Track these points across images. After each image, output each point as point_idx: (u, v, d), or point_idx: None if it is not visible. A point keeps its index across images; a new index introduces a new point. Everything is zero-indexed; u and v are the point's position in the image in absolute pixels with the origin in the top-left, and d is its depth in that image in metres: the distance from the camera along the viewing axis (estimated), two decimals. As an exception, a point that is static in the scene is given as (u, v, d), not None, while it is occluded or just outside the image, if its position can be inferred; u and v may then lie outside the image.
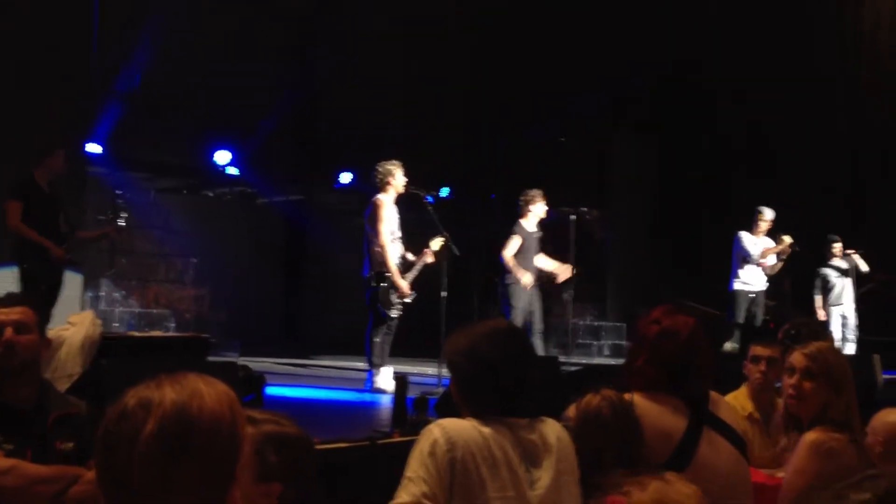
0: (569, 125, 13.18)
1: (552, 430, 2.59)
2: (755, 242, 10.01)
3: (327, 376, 8.98)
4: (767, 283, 10.14)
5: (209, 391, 1.48)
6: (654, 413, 2.97)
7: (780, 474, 3.48)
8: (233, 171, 10.80)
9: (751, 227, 10.07)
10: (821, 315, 10.95)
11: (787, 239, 9.96)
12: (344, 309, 11.63)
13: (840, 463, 3.10)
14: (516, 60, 12.67)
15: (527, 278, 8.71)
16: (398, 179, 7.74)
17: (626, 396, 3.00)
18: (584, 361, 10.74)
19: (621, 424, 2.74)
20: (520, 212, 9.06)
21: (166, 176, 11.24)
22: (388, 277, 7.56)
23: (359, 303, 9.32)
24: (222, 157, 10.60)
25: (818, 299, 11.20)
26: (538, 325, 8.86)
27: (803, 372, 3.30)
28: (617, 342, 13.12)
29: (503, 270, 8.84)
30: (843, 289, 10.93)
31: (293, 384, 7.77)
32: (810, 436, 3.21)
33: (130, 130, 9.82)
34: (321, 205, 12.40)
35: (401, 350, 8.94)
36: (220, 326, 10.70)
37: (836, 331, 10.73)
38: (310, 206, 12.40)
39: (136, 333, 7.31)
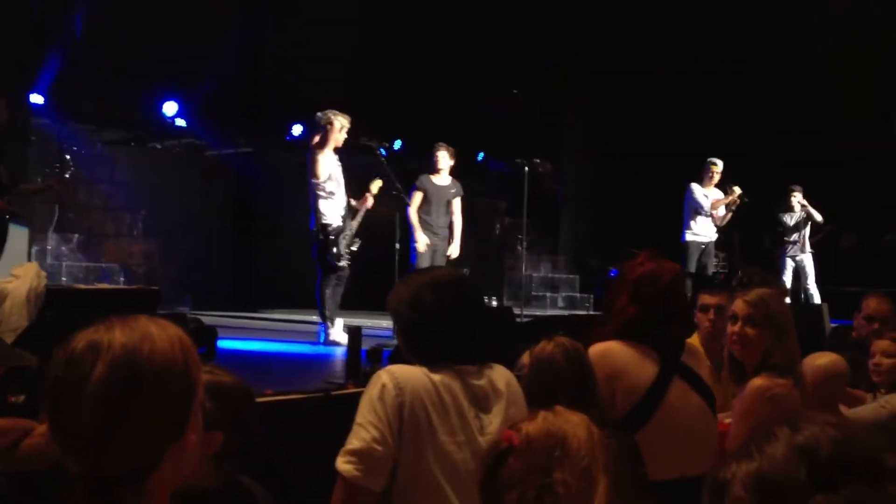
0: (522, 77, 13.16)
1: (501, 375, 2.60)
2: (706, 194, 10.11)
3: (279, 329, 8.96)
4: (717, 234, 10.27)
5: (160, 334, 1.44)
6: (626, 360, 3.01)
7: (728, 420, 3.55)
8: (181, 122, 10.61)
9: (701, 179, 10.17)
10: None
11: (737, 190, 10.08)
12: (295, 262, 11.58)
13: (785, 408, 3.15)
14: (470, 12, 12.58)
15: (421, 242, 8.32)
16: (338, 128, 7.49)
17: (602, 344, 3.03)
18: (538, 313, 10.83)
19: (574, 370, 2.76)
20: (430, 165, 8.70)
21: (112, 128, 11.01)
22: (334, 228, 7.44)
23: (309, 256, 9.30)
24: (170, 108, 10.40)
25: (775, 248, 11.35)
26: None
27: (745, 319, 3.35)
28: (571, 294, 13.25)
29: (410, 227, 8.45)
30: (800, 239, 11.06)
31: (245, 337, 7.75)
32: (755, 382, 3.26)
33: (75, 82, 9.59)
34: (272, 157, 12.27)
35: (355, 302, 8.94)
36: (169, 280, 10.59)
37: (791, 280, 10.90)
38: (260, 158, 12.26)
39: (83, 286, 7.20)
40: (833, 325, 8.08)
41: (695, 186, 10.12)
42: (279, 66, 12.07)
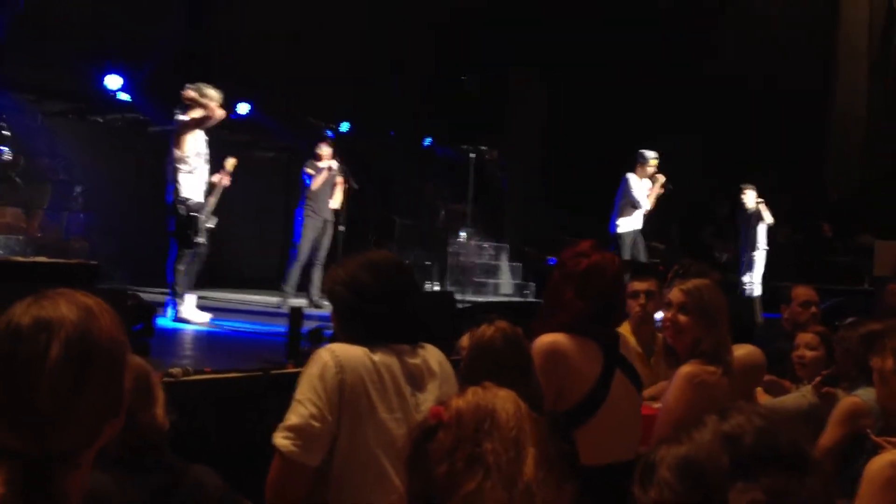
0: (469, 64, 13.21)
1: (433, 355, 2.67)
2: (642, 187, 10.22)
3: (219, 308, 8.90)
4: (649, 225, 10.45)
5: (102, 312, 1.46)
6: (575, 353, 3.07)
7: (657, 405, 3.66)
8: (124, 97, 10.42)
9: (634, 169, 10.28)
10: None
11: (661, 178, 10.24)
12: (238, 241, 11.50)
13: (711, 394, 3.26)
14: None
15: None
16: (214, 103, 7.39)
17: (550, 336, 3.08)
18: (479, 300, 10.90)
19: (513, 354, 2.81)
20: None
21: (54, 99, 10.78)
22: (194, 203, 7.28)
23: (253, 235, 9.27)
24: (113, 81, 10.22)
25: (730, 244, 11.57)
26: (320, 258, 9.01)
27: (679, 307, 3.45)
28: (513, 281, 13.36)
29: (300, 204, 9.12)
30: (754, 236, 11.25)
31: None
32: (684, 369, 3.37)
33: (16, 51, 9.36)
34: (215, 135, 12.12)
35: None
36: (108, 255, 10.43)
37: (748, 275, 11.11)
38: (206, 136, 12.10)
39: (21, 258, 7.08)
40: (767, 317, 8.29)
41: (632, 178, 10.17)
42: (225, 43, 11.93)
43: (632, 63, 13.33)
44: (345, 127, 11.82)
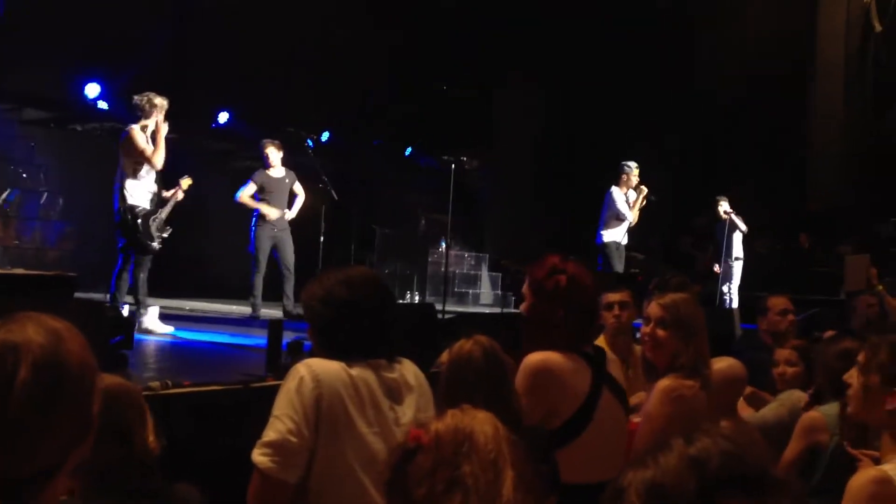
0: (453, 73, 13.23)
1: (410, 369, 2.68)
2: (625, 199, 10.30)
3: (199, 318, 8.87)
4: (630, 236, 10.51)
5: (70, 336, 1.45)
6: (566, 371, 3.06)
7: (637, 418, 3.67)
8: (103, 105, 10.39)
9: (618, 182, 10.36)
10: (717, 269, 11.40)
11: (644, 189, 10.33)
12: (218, 251, 11.46)
13: (690, 408, 3.27)
14: (403, 6, 12.61)
15: (270, 211, 8.77)
16: (160, 111, 7.41)
17: (541, 354, 3.08)
18: (460, 310, 10.91)
19: (491, 369, 2.81)
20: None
21: (32, 107, 10.73)
22: (141, 210, 7.25)
23: (233, 246, 9.23)
24: (92, 90, 10.18)
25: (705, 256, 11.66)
26: (285, 266, 8.85)
27: (657, 321, 3.46)
28: (494, 291, 13.38)
29: (254, 213, 8.93)
30: (730, 246, 11.35)
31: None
32: (662, 383, 3.37)
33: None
34: (196, 144, 12.09)
35: (276, 294, 8.92)
36: (87, 265, 10.37)
37: (726, 285, 11.20)
38: (185, 144, 12.06)
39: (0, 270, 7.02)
40: (745, 328, 8.32)
41: (615, 191, 10.26)
42: (205, 51, 11.90)
43: (613, 77, 13.42)
44: (325, 136, 11.82)
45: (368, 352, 2.58)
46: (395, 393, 2.58)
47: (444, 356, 3.00)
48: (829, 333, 5.59)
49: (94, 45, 10.10)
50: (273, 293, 8.95)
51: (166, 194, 7.54)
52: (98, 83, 10.18)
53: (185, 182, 7.66)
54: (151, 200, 7.36)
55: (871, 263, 7.18)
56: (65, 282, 4.96)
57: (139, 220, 7.20)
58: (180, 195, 7.60)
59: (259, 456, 2.38)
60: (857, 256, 9.62)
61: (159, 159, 7.30)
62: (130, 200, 7.23)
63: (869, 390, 2.95)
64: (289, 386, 2.45)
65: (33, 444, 1.37)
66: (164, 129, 7.35)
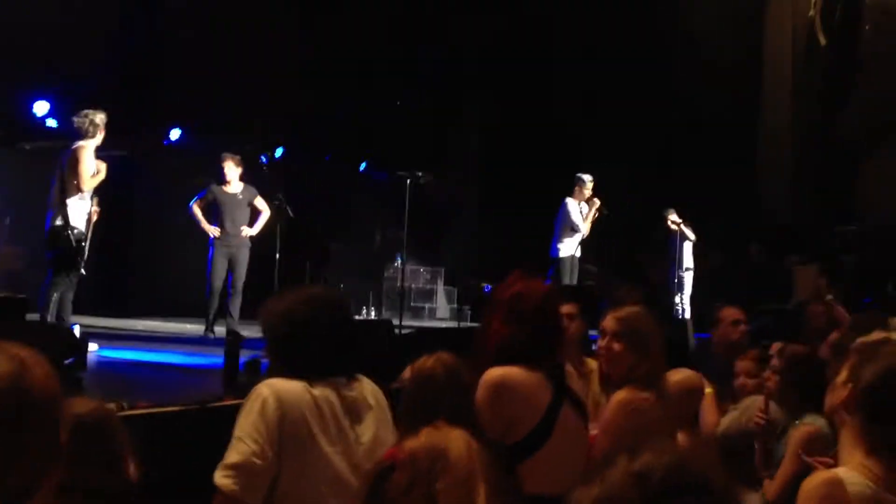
0: (407, 87, 13.28)
1: (368, 387, 2.70)
2: (581, 211, 10.42)
3: (153, 338, 8.78)
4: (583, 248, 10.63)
5: (33, 361, 1.44)
6: (524, 385, 3.08)
7: (593, 431, 3.71)
8: (52, 123, 10.24)
9: (573, 193, 10.47)
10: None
11: (597, 202, 10.46)
12: (171, 269, 11.34)
13: (645, 420, 3.32)
14: (354, 20, 12.63)
15: (212, 229, 8.76)
16: (100, 131, 7.42)
17: (499, 370, 3.09)
18: (416, 324, 10.92)
19: (453, 385, 2.83)
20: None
21: (-20, 126, 10.55)
22: (80, 230, 7.21)
23: (188, 263, 9.15)
24: (41, 107, 10.04)
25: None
26: (236, 285, 8.80)
27: (613, 334, 3.52)
28: (450, 305, 13.41)
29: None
30: (681, 257, 11.51)
31: (116, 346, 7.53)
32: (619, 395, 3.42)
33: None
34: (149, 161, 11.97)
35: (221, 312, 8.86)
36: (37, 286, 10.22)
37: (678, 296, 11.36)
38: (137, 162, 11.94)
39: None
40: (697, 337, 8.45)
41: (570, 203, 10.38)
42: (157, 68, 11.81)
43: (567, 88, 13.56)
44: (278, 152, 11.77)
45: (328, 370, 2.59)
46: (355, 412, 2.59)
47: (407, 373, 3.02)
48: (777, 345, 5.70)
49: (43, 63, 9.97)
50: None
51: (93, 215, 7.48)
52: (47, 100, 10.05)
53: (95, 202, 7.55)
54: (86, 221, 7.32)
55: (820, 274, 7.34)
56: (15, 304, 4.89)
57: (76, 240, 7.14)
58: (95, 216, 7.51)
59: (222, 478, 2.37)
60: (806, 267, 9.84)
61: (92, 183, 7.29)
62: (72, 220, 7.17)
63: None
64: (251, 407, 2.44)
65: (2, 472, 1.35)
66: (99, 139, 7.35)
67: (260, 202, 8.99)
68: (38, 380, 1.42)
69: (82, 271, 7.24)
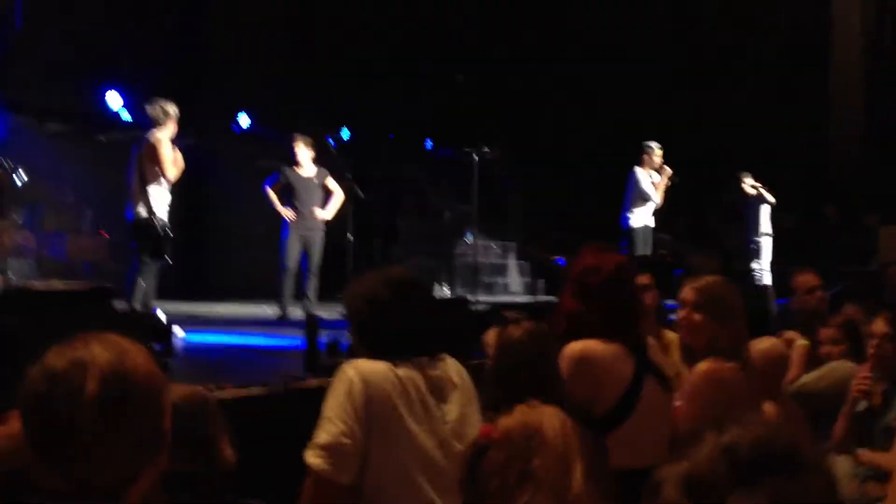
0: (466, 63, 13.24)
1: (452, 366, 2.72)
2: (650, 180, 10.26)
3: (233, 321, 8.94)
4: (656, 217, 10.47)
5: (134, 350, 1.49)
6: (605, 358, 3.09)
7: (678, 403, 3.68)
8: (126, 115, 10.47)
9: (641, 163, 10.31)
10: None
11: (668, 170, 10.28)
12: (246, 253, 11.53)
13: (729, 391, 3.28)
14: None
15: (287, 212, 8.79)
16: (174, 120, 7.52)
17: (580, 343, 3.09)
18: (490, 300, 10.92)
19: (539, 354, 2.86)
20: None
21: (56, 120, 10.84)
22: (161, 219, 7.34)
23: (261, 248, 9.30)
24: (114, 100, 10.27)
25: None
26: (311, 266, 8.82)
27: (692, 305, 3.47)
28: (523, 279, 13.38)
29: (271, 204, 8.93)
30: (757, 222, 11.29)
31: (198, 330, 7.67)
32: (702, 366, 3.37)
33: (16, 73, 9.41)
34: (220, 148, 12.17)
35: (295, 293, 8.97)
36: (120, 275, 10.49)
37: (756, 262, 11.17)
38: (208, 150, 12.15)
39: (38, 284, 7.11)
40: (778, 304, 8.29)
41: (639, 172, 10.23)
42: (223, 56, 11.97)
43: (632, 56, 13.36)
44: (345, 134, 11.85)
45: (412, 350, 2.62)
46: (439, 391, 2.61)
47: (490, 337, 3.03)
48: (850, 308, 5.55)
49: (115, 55, 10.18)
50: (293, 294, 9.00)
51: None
52: (118, 92, 10.27)
53: None
54: (167, 211, 7.47)
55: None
56: (103, 293, 5.03)
57: (160, 227, 7.27)
58: None
59: (313, 458, 2.41)
60: (891, 227, 9.53)
61: (174, 171, 7.42)
62: (154, 207, 7.31)
63: None
64: (338, 388, 2.48)
65: (105, 456, 1.40)
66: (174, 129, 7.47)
67: (332, 183, 8.99)
68: (140, 366, 1.46)
69: (168, 259, 7.37)
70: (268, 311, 9.13)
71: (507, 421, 1.57)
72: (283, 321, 8.62)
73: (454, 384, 2.65)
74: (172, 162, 7.39)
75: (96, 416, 1.39)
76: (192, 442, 2.01)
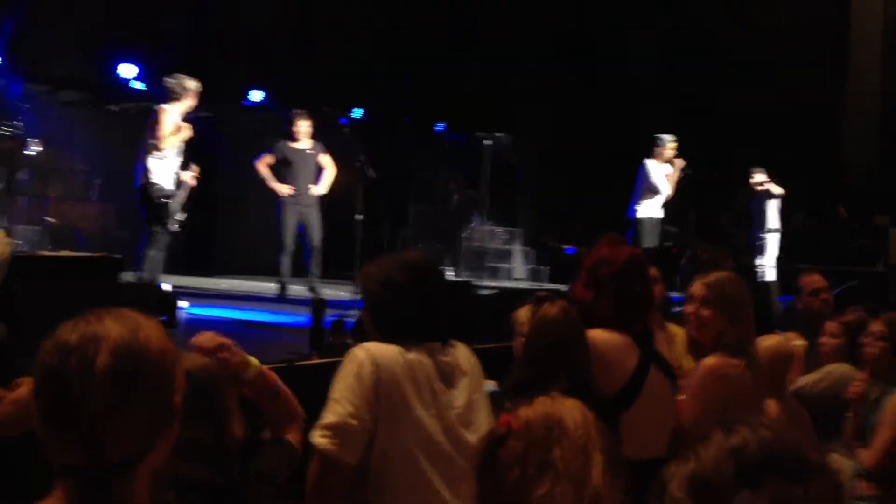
0: (478, 49, 13.20)
1: (463, 352, 2.72)
2: (661, 171, 10.22)
3: (239, 296, 8.97)
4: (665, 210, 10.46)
5: (148, 324, 1.49)
6: (610, 347, 3.12)
7: (682, 396, 3.69)
8: (138, 85, 10.47)
9: (653, 154, 10.28)
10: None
11: (680, 163, 10.24)
12: (254, 229, 11.55)
13: (734, 387, 3.28)
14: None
15: (282, 188, 8.72)
16: (191, 93, 7.51)
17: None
18: (494, 284, 10.93)
19: (572, 333, 2.93)
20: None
21: (69, 89, 10.85)
22: (164, 189, 7.35)
23: (270, 223, 9.30)
24: (127, 70, 10.28)
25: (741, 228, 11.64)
26: (312, 242, 8.76)
27: (702, 300, 3.47)
28: (527, 266, 13.37)
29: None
30: (763, 218, 11.26)
31: (204, 305, 7.72)
32: (707, 361, 3.38)
33: (32, 42, 9.42)
34: (230, 122, 12.16)
35: (302, 271, 8.96)
36: (124, 243, 10.51)
37: (760, 258, 11.16)
38: (219, 123, 12.14)
39: (47, 252, 7.13)
40: (783, 300, 8.29)
41: (650, 164, 10.18)
42: (238, 31, 11.94)
43: (645, 47, 13.31)
44: (358, 113, 11.83)
45: (423, 335, 2.62)
46: (448, 376, 2.62)
47: (522, 315, 3.06)
48: (856, 308, 5.56)
49: (129, 25, 10.17)
50: (298, 270, 8.99)
51: (184, 178, 7.58)
52: (133, 63, 10.27)
53: (195, 169, 7.69)
54: (174, 181, 7.47)
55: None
56: (111, 263, 5.05)
57: (160, 198, 7.29)
58: (192, 181, 7.63)
59: (319, 438, 2.42)
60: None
61: (169, 143, 7.36)
62: (152, 178, 7.33)
63: None
64: (347, 369, 2.49)
65: (117, 429, 1.41)
66: (189, 105, 7.50)
67: (325, 159, 8.85)
68: (153, 339, 1.47)
69: (171, 228, 7.38)
70: (275, 286, 9.14)
71: (528, 411, 1.57)
72: (283, 299, 8.62)
73: (463, 371, 2.66)
74: (170, 133, 7.36)
75: (108, 389, 1.40)
76: (202, 412, 2.01)
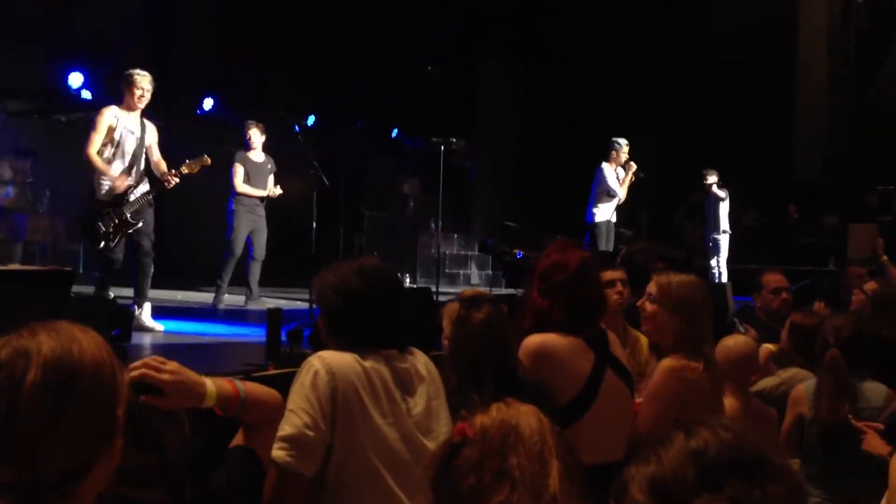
0: (435, 52, 13.19)
1: (420, 359, 2.69)
2: (618, 176, 10.32)
3: (193, 309, 8.85)
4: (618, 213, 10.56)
5: (85, 337, 1.46)
6: (564, 352, 3.11)
7: (639, 399, 3.69)
8: (87, 94, 10.31)
9: (608, 158, 10.37)
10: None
11: (633, 166, 10.35)
12: (207, 240, 11.41)
13: (692, 389, 3.30)
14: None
15: (260, 194, 8.81)
16: (138, 90, 6.70)
17: (539, 336, 3.12)
18: (452, 290, 10.92)
19: (497, 337, 2.91)
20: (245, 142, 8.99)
21: (16, 98, 10.65)
22: (102, 196, 6.65)
23: (221, 232, 9.21)
24: (75, 79, 10.11)
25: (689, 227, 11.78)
26: (258, 252, 8.80)
27: (650, 296, 3.51)
28: (484, 272, 13.41)
29: (231, 197, 8.87)
30: (717, 219, 11.42)
31: (158, 317, 7.59)
32: (665, 362, 3.39)
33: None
34: (183, 131, 12.02)
35: (271, 280, 8.89)
36: (74, 257, 10.34)
37: (713, 259, 11.31)
38: (171, 132, 11.99)
39: (-5, 267, 6.94)
40: (736, 300, 8.37)
41: (606, 168, 10.29)
42: (189, 39, 11.82)
43: (600, 52, 13.41)
44: (310, 120, 11.76)
45: (380, 342, 2.59)
46: (406, 384, 2.59)
47: (447, 318, 3.04)
48: (818, 305, 5.68)
49: (77, 34, 10.02)
50: (267, 280, 8.93)
51: (162, 175, 7.00)
52: (81, 72, 10.11)
53: (189, 167, 7.25)
54: (128, 187, 6.77)
55: (876, 233, 7.26)
56: (62, 277, 4.94)
57: (95, 221, 6.64)
58: (173, 183, 7.05)
59: (277, 451, 2.38)
60: (863, 225, 9.65)
61: (90, 147, 6.62)
62: (97, 194, 6.69)
63: None
64: (303, 380, 2.46)
65: (50, 446, 1.37)
66: (138, 100, 6.74)
67: (271, 179, 8.98)
68: (88, 352, 1.43)
69: (103, 246, 6.72)
70: (229, 298, 9.04)
71: (483, 418, 1.55)
72: (218, 306, 8.60)
73: (422, 377, 2.63)
74: (103, 137, 6.64)
75: (38, 405, 1.37)
76: (137, 439, 1.92)
